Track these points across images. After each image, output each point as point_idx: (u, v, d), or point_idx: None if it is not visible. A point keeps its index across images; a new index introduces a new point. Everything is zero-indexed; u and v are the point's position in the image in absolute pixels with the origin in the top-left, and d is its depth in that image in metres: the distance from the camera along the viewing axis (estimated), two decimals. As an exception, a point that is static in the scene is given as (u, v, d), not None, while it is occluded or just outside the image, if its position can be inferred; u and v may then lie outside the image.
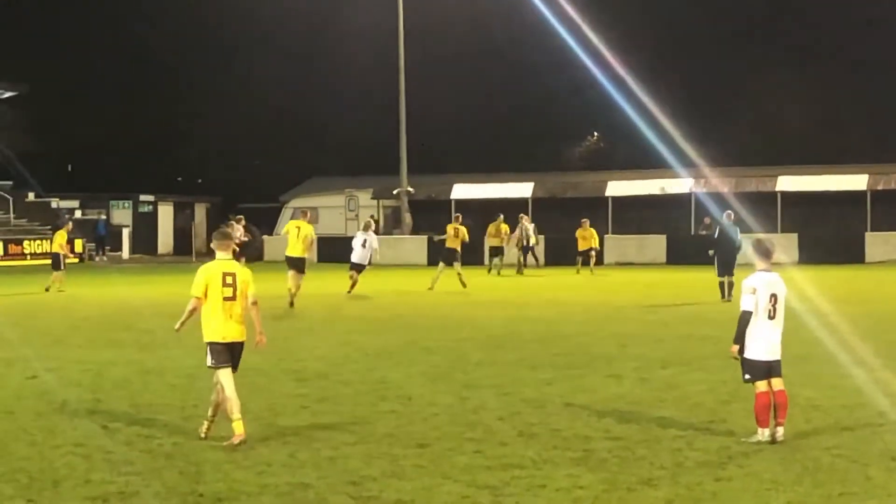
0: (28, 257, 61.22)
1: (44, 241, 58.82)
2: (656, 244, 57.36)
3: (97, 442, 13.24)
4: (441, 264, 39.88)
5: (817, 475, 11.16)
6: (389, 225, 66.92)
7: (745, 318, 12.97)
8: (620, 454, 12.32)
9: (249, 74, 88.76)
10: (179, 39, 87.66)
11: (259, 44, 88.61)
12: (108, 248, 67.80)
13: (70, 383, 17.61)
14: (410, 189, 62.96)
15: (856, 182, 61.88)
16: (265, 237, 63.98)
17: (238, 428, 13.02)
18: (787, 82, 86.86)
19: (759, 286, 12.94)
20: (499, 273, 47.37)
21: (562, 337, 23.76)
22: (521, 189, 65.38)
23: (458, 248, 39.93)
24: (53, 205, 70.55)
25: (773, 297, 12.97)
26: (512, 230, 50.16)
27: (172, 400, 15.99)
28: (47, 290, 38.47)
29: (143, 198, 76.43)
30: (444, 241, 41.16)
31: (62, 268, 39.86)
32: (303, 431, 13.73)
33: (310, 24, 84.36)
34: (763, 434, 12.67)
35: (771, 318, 12.97)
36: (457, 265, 39.08)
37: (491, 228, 49.17)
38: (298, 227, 32.69)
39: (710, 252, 33.08)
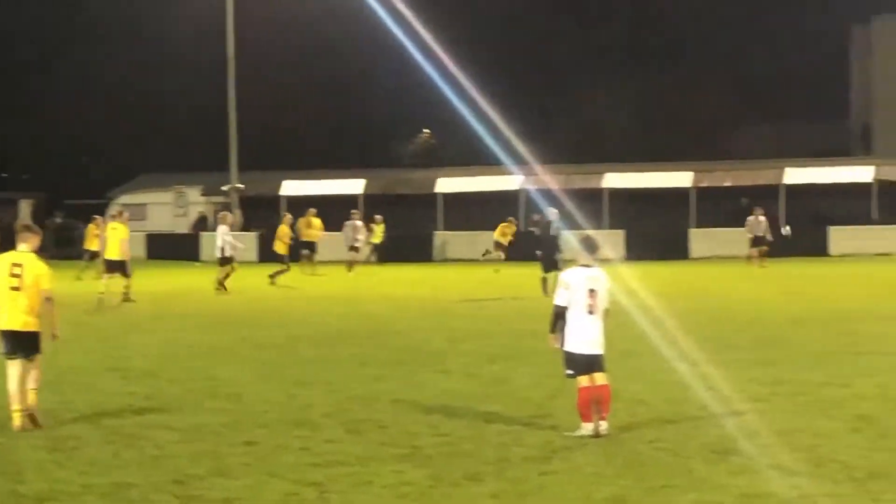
0: None
1: None
2: (487, 241, 57.72)
3: (-86, 444, 12.93)
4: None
5: (640, 468, 11.36)
6: (218, 221, 66.24)
7: (556, 311, 13.21)
8: (446, 450, 12.38)
9: (80, 69, 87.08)
10: (4, 34, 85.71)
11: (88, 39, 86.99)
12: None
13: None
14: (240, 185, 62.41)
15: (681, 179, 63.07)
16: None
17: (16, 419, 13.35)
18: (614, 81, 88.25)
19: (574, 281, 13.14)
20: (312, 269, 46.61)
21: (394, 333, 23.81)
22: (353, 185, 65.30)
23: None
24: None
25: (592, 292, 13.13)
26: (338, 227, 49.99)
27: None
28: None
29: (-35, 194, 74.68)
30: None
31: None
32: (128, 430, 13.56)
33: (139, 19, 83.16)
34: (586, 428, 12.86)
35: (590, 313, 13.15)
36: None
37: (301, 223, 48.54)
38: (115, 229, 32.32)
39: (538, 252, 33.47)
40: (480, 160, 66.58)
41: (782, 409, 14.32)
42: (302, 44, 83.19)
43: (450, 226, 62.04)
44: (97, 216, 43.52)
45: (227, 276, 36.16)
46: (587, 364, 13.13)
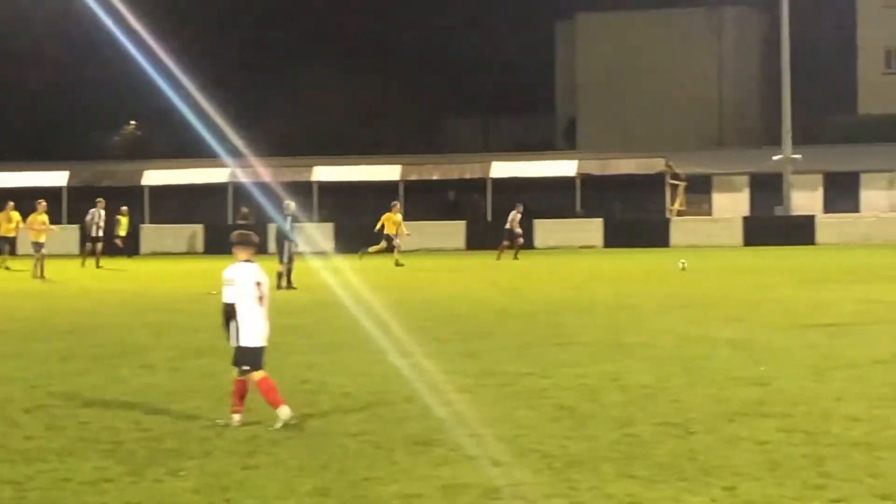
0: None
1: None
2: (192, 234, 57.14)
3: None
4: None
5: (344, 461, 11.37)
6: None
7: (227, 309, 13.22)
8: (149, 445, 12.16)
9: None
10: None
11: None
12: None
13: None
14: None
15: (389, 173, 63.67)
16: None
17: None
18: (323, 74, 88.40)
19: (238, 276, 13.21)
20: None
21: (97, 328, 23.31)
22: (56, 178, 63.73)
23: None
24: None
25: (259, 285, 13.22)
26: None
27: None
28: None
29: None
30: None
31: None
32: None
33: None
34: (284, 412, 12.89)
35: (260, 306, 13.22)
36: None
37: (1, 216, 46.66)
38: None
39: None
40: (190, 152, 65.83)
41: (486, 399, 14.53)
42: (5, 31, 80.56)
43: (157, 219, 61.11)
44: None
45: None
46: (262, 357, 13.22)
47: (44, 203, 43.05)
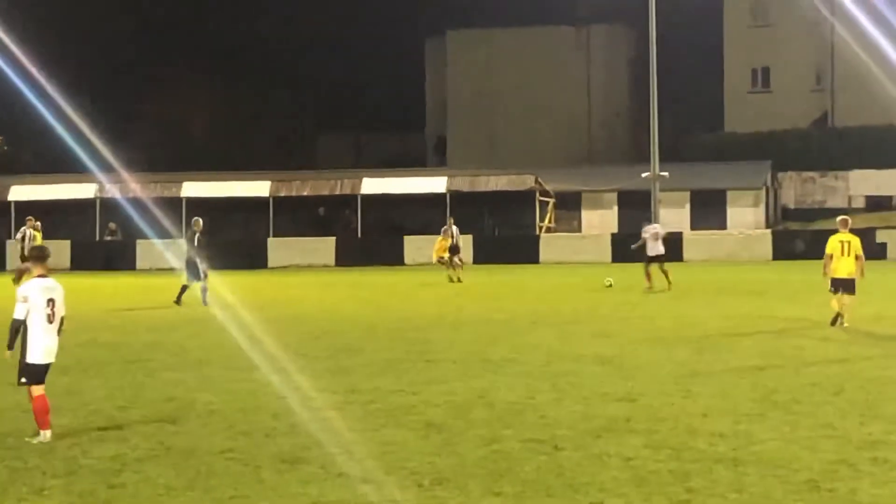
0: None
1: None
2: (61, 249, 56.21)
3: None
4: None
5: (210, 479, 11.28)
6: None
7: (15, 325, 13.22)
8: (12, 464, 11.97)
9: None
10: None
11: None
12: None
13: None
14: None
15: (259, 189, 63.35)
16: None
17: None
18: (192, 90, 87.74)
19: (32, 293, 13.24)
20: None
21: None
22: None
23: None
24: None
25: (51, 301, 13.27)
26: None
27: None
28: None
29: None
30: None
31: None
32: None
33: None
34: (45, 436, 12.98)
35: (49, 322, 13.27)
36: None
37: None
38: None
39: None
40: (57, 167, 64.93)
41: (354, 416, 14.51)
42: None
43: (23, 234, 60.09)
44: None
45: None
46: (45, 372, 13.34)
47: None
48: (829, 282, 24.21)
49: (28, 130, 71.78)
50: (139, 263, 57.94)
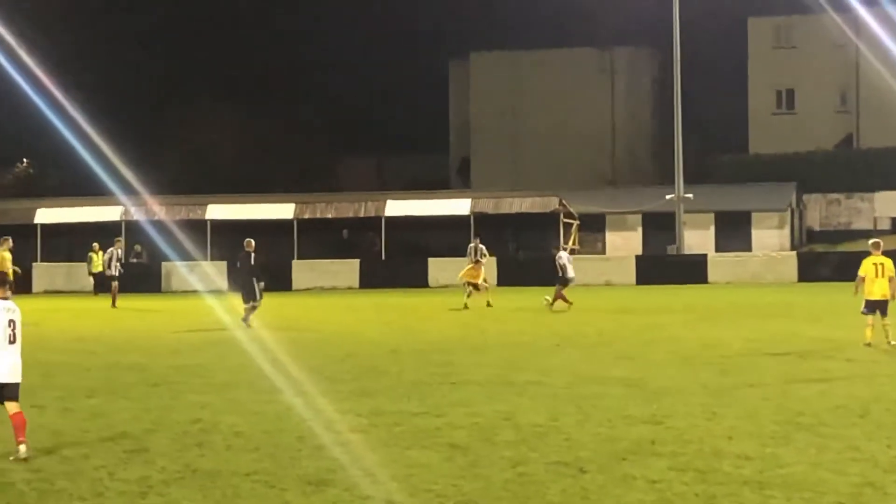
0: None
1: None
2: (85, 273, 56.39)
3: None
4: None
5: (235, 501, 11.31)
6: None
7: None
8: (40, 486, 12.02)
9: None
10: None
11: None
12: None
13: None
14: None
15: (283, 211, 63.47)
16: None
17: None
18: (217, 113, 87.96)
19: None
20: None
21: (-17, 368, 22.92)
22: (-57, 215, 62.58)
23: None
24: None
25: (12, 322, 13.74)
26: None
27: None
28: None
29: None
30: None
31: None
32: None
33: None
34: (22, 452, 13.34)
35: (11, 342, 13.71)
36: None
37: None
38: None
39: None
40: (84, 190, 65.21)
41: (379, 439, 14.52)
42: None
43: (49, 257, 60.38)
44: None
45: None
46: (15, 391, 13.75)
47: None
48: (864, 304, 24.30)
49: (54, 153, 72.04)
50: (164, 286, 58.09)
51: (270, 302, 44.34)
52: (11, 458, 13.27)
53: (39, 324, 33.40)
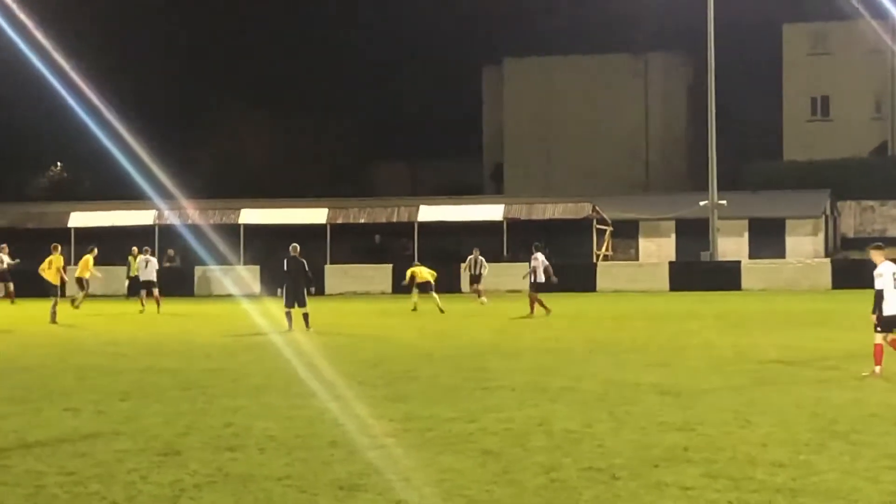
0: None
1: None
2: (119, 276, 56.58)
3: None
4: None
5: (268, 506, 11.33)
6: None
7: None
8: (73, 489, 12.04)
9: None
10: None
11: None
12: None
13: None
14: None
15: (316, 216, 63.61)
16: None
17: None
18: (251, 118, 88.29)
19: None
20: None
21: (20, 370, 23.07)
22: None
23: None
24: None
25: None
26: None
27: None
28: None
29: None
30: None
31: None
32: None
33: None
34: None
35: None
36: None
37: None
38: None
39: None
40: (117, 194, 65.52)
41: (412, 444, 14.50)
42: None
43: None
44: None
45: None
46: None
47: None
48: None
49: (87, 157, 72.41)
50: (197, 290, 58.28)
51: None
52: None
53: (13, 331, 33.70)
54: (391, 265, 59.10)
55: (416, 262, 48.00)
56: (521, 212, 63.32)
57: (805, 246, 65.16)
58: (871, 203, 72.72)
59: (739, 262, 58.86)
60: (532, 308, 38.72)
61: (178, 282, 57.52)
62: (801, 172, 73.53)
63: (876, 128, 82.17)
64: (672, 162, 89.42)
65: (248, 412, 17.01)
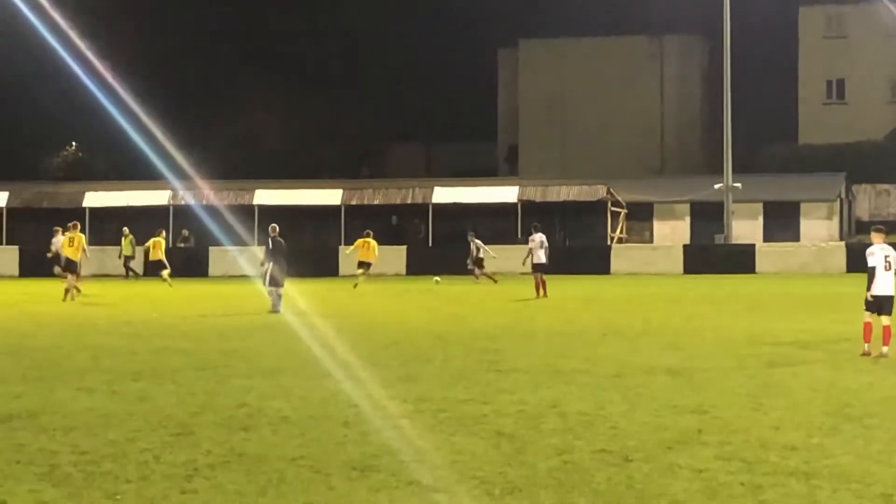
0: None
1: None
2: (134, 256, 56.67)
3: None
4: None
5: (281, 486, 11.32)
6: None
7: None
8: (86, 468, 12.07)
9: None
10: None
11: None
12: None
13: None
14: None
15: (331, 197, 63.63)
16: None
17: None
18: (264, 99, 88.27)
19: None
20: None
21: (33, 349, 23.11)
22: (-5, 198, 63.20)
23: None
24: None
25: None
26: None
27: None
28: None
29: None
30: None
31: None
32: None
33: None
34: None
35: None
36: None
37: None
38: None
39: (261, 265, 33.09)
40: (132, 174, 65.60)
41: (425, 425, 14.50)
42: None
43: (98, 241, 60.73)
44: None
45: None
46: None
47: None
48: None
49: (102, 137, 72.52)
50: (212, 270, 58.36)
51: (318, 287, 44.59)
52: None
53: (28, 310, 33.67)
54: (406, 246, 59.13)
55: (368, 232, 48.13)
56: (536, 194, 63.29)
57: (820, 229, 65.06)
58: (886, 187, 72.52)
59: (754, 246, 58.79)
60: (537, 291, 38.64)
61: (192, 262, 57.61)
62: (816, 156, 73.39)
63: (891, 111, 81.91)
64: (687, 145, 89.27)
65: (262, 392, 17.03)
